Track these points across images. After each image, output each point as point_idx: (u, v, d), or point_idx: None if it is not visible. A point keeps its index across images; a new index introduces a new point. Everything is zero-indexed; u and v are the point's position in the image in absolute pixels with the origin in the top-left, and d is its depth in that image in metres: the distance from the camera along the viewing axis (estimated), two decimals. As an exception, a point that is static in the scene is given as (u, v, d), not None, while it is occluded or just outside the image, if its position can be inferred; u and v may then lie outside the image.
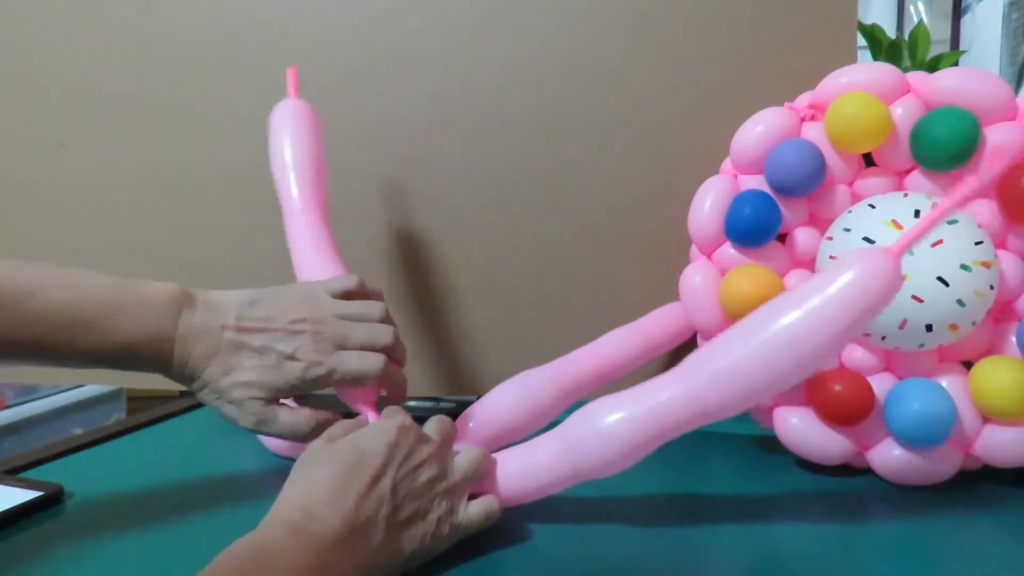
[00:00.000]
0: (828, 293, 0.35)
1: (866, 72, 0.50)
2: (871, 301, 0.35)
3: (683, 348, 0.58)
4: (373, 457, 0.36)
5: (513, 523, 0.43)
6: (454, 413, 0.47)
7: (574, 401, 0.52)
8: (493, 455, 0.42)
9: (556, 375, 0.51)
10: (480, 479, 0.41)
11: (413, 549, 0.36)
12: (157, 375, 0.42)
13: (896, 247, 0.36)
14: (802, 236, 0.52)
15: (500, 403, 0.49)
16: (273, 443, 0.55)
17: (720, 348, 0.37)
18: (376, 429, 0.38)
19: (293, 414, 0.42)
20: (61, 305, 0.38)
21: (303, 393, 0.42)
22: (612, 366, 0.54)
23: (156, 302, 0.40)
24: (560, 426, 0.41)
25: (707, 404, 0.37)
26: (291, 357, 0.41)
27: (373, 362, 0.43)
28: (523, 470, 0.41)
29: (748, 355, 0.36)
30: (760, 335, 0.36)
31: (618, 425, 0.38)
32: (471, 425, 0.47)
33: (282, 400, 0.42)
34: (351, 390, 0.44)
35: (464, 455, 0.41)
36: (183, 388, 0.43)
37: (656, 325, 0.57)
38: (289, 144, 0.54)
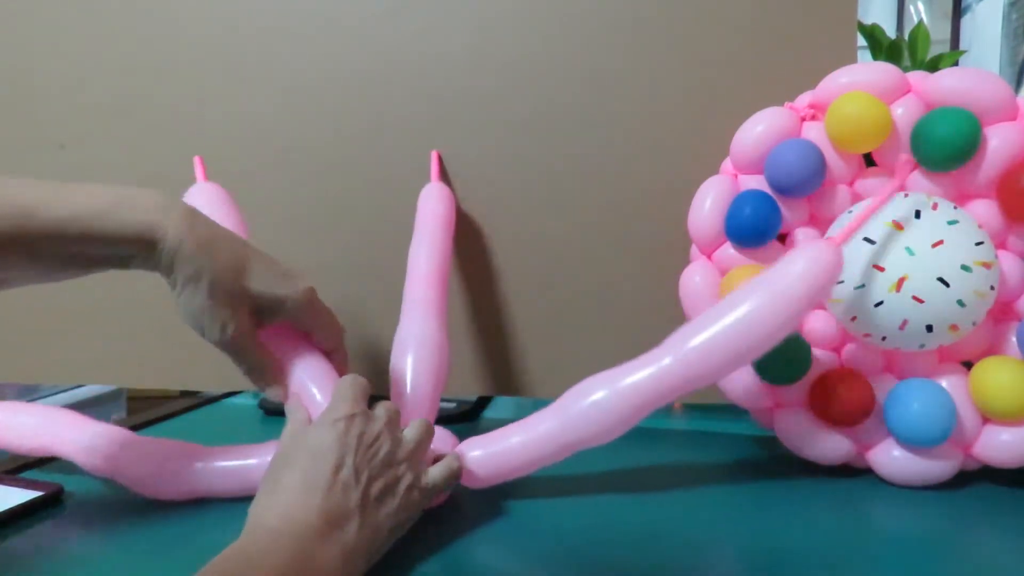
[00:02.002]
0: (778, 287, 0.41)
1: (866, 72, 0.50)
2: (816, 290, 0.42)
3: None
4: (328, 450, 0.37)
5: (510, 522, 0.44)
6: (454, 414, 0.48)
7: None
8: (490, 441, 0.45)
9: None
10: (428, 444, 0.43)
11: (391, 525, 0.38)
12: (155, 375, 0.41)
13: (839, 237, 0.42)
14: (802, 236, 0.52)
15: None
16: None
17: (691, 332, 0.43)
18: (324, 423, 0.39)
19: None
20: (62, 212, 0.38)
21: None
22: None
23: (145, 199, 0.41)
24: (554, 404, 0.44)
25: (687, 376, 0.42)
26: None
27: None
28: (521, 443, 0.44)
29: (711, 338, 0.42)
30: (721, 322, 0.42)
31: (607, 398, 0.42)
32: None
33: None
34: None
35: (410, 428, 0.42)
36: (182, 387, 0.43)
37: None
38: None
